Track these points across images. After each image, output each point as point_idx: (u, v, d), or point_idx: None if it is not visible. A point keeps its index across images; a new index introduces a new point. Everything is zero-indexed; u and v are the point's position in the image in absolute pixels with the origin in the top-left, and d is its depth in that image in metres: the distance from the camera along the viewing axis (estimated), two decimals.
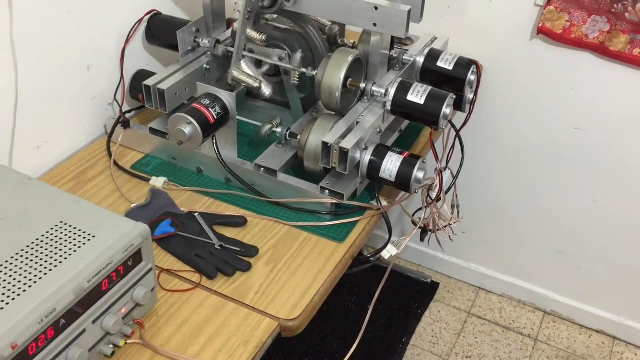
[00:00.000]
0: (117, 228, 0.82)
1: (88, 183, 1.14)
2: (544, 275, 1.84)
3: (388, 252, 1.06)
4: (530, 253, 1.82)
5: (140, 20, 1.24)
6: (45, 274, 0.75)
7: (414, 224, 1.11)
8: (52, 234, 0.81)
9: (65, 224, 0.82)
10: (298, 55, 1.12)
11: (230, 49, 1.17)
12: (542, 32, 1.44)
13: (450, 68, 1.17)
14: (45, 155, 1.17)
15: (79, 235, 0.81)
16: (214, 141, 1.10)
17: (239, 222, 1.06)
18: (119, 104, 1.23)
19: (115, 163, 1.17)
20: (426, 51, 1.20)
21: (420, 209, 1.09)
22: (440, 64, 1.18)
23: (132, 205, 1.08)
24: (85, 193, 1.11)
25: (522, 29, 1.48)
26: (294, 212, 1.09)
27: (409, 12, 1.00)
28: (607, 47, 1.39)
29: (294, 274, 0.98)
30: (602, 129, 1.52)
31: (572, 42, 1.43)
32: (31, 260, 0.76)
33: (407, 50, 1.20)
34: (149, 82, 1.12)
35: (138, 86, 1.16)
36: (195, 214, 1.06)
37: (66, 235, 0.81)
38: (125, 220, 0.85)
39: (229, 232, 1.05)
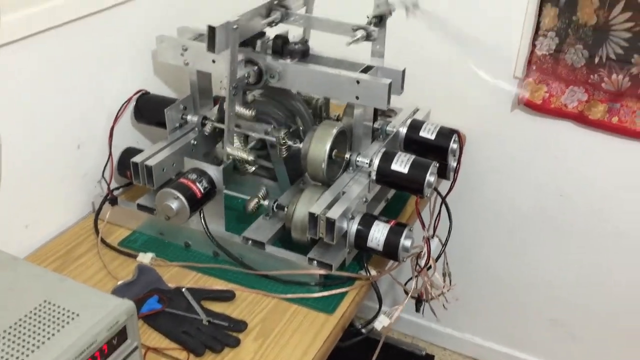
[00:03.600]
0: (102, 305, 0.81)
1: (74, 262, 1.13)
2: (538, 344, 1.81)
3: (380, 323, 1.04)
4: (523, 321, 1.79)
5: (129, 100, 1.26)
6: (27, 355, 0.73)
7: (406, 293, 1.10)
8: (35, 314, 0.79)
9: (50, 303, 0.81)
10: (283, 129, 1.14)
11: (217, 125, 1.19)
12: (523, 102, 1.48)
13: (433, 137, 1.20)
14: (34, 234, 1.16)
15: (63, 314, 0.79)
16: (202, 215, 1.10)
17: (227, 296, 1.05)
18: (106, 182, 1.24)
19: (103, 240, 1.17)
20: (408, 122, 1.23)
21: (412, 278, 1.09)
22: (422, 133, 1.21)
23: (119, 283, 1.07)
24: (72, 272, 1.10)
25: (503, 100, 1.52)
26: (282, 284, 1.08)
27: (390, 85, 1.04)
28: (586, 116, 1.42)
29: (284, 348, 0.96)
30: (587, 195, 1.54)
31: (552, 112, 1.47)
32: (13, 342, 0.75)
33: (390, 121, 1.23)
34: (137, 159, 1.13)
35: (126, 163, 1.17)
36: (183, 290, 1.05)
37: (50, 314, 0.79)
38: (110, 297, 0.84)
39: (217, 307, 1.03)
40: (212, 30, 1.00)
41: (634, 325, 1.64)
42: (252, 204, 1.12)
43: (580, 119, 1.44)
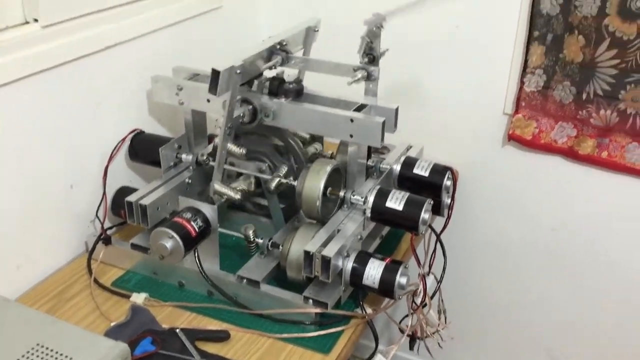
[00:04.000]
0: (95, 348, 0.80)
1: (67, 302, 1.12)
2: None
3: None
4: (520, 358, 1.78)
5: (123, 139, 1.27)
6: None
7: (402, 331, 1.09)
8: (28, 358, 0.78)
9: (43, 347, 0.80)
10: (282, 167, 1.15)
11: (212, 163, 1.20)
12: (513, 138, 1.50)
13: (426, 174, 1.21)
14: (25, 275, 1.15)
15: (56, 358, 0.78)
16: (196, 254, 1.09)
17: (222, 336, 1.04)
18: (100, 221, 1.23)
19: (96, 281, 1.16)
20: (402, 159, 1.24)
21: (407, 315, 1.08)
22: (416, 170, 1.22)
23: (112, 324, 1.05)
24: (64, 313, 1.09)
25: (494, 136, 1.54)
26: (277, 323, 1.07)
27: (384, 123, 1.05)
28: (576, 151, 1.44)
29: None
30: (580, 230, 1.55)
31: (542, 147, 1.48)
32: None
33: (384, 159, 1.24)
34: (131, 198, 1.13)
35: (120, 203, 1.17)
36: (177, 330, 1.04)
37: (43, 358, 0.78)
38: (104, 339, 0.83)
39: (211, 348, 1.02)
40: (215, 73, 1.01)
41: (630, 356, 1.63)
42: (250, 231, 1.12)
43: (570, 154, 1.46)
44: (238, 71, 1.04)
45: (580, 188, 1.50)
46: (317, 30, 1.26)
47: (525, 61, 1.42)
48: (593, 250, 1.55)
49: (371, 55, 1.14)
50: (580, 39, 1.34)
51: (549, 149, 1.48)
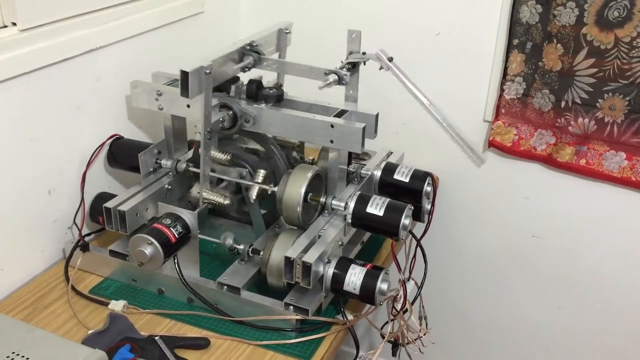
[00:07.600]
0: (73, 357, 0.79)
1: (44, 310, 1.10)
2: None
3: None
4: None
5: (102, 145, 1.26)
6: None
7: (382, 337, 1.09)
8: None
9: (19, 355, 0.79)
10: (260, 172, 1.15)
11: (193, 169, 1.19)
12: (493, 145, 1.51)
13: (407, 180, 1.21)
14: (1, 282, 1.13)
15: None
16: (176, 261, 1.08)
17: (202, 343, 1.03)
18: (78, 228, 1.22)
19: (73, 288, 1.14)
20: (383, 165, 1.24)
21: (388, 322, 1.08)
22: (396, 176, 1.22)
23: (89, 332, 1.04)
24: (41, 321, 1.07)
25: (474, 143, 1.55)
26: (258, 330, 1.06)
27: (364, 129, 1.05)
28: (554, 159, 1.46)
29: None
30: (559, 236, 1.56)
31: (522, 154, 1.50)
32: None
33: (365, 165, 1.24)
34: (110, 204, 1.12)
35: (98, 209, 1.15)
36: (156, 338, 1.02)
37: None
38: (81, 347, 0.82)
39: (191, 355, 1.01)
40: (185, 74, 1.01)
41: None
42: (230, 240, 1.11)
43: (549, 161, 1.47)
44: (207, 71, 1.03)
45: (560, 195, 1.51)
46: (289, 32, 1.26)
47: (505, 69, 1.44)
48: (572, 256, 1.56)
49: (352, 62, 1.14)
50: (559, 48, 1.36)
51: (529, 156, 1.49)
